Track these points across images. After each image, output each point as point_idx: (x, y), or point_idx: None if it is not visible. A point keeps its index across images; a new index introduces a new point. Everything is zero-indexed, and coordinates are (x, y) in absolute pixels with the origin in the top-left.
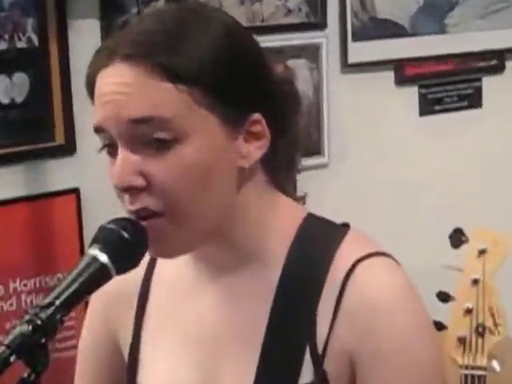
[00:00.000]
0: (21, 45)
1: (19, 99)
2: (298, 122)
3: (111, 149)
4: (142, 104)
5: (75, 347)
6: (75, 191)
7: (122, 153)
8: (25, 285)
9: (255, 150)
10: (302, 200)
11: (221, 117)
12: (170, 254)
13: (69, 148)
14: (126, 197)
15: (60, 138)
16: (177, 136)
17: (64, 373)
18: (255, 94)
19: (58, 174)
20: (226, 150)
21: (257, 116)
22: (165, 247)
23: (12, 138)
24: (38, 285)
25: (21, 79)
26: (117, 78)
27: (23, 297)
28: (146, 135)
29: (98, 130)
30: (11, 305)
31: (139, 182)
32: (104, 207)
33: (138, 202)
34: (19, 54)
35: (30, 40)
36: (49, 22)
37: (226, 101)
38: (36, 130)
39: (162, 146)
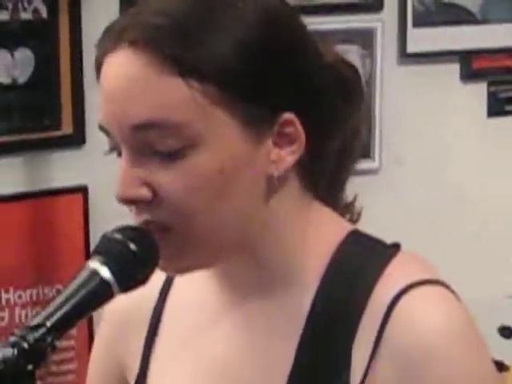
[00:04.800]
0: (26, 16)
1: (22, 79)
2: (355, 123)
3: (118, 152)
4: (147, 105)
5: (74, 372)
6: (83, 189)
7: (124, 161)
8: (19, 296)
9: (287, 156)
10: (351, 208)
11: (243, 118)
12: (179, 270)
13: (77, 138)
14: (133, 207)
15: (67, 127)
16: (188, 143)
17: None
18: (288, 89)
19: (63, 169)
20: (250, 156)
21: (288, 116)
22: (172, 264)
23: (12, 125)
24: (34, 297)
25: (24, 56)
26: (121, 68)
27: (17, 310)
28: (152, 142)
29: (103, 130)
30: (2, 319)
31: (143, 193)
32: (115, 209)
33: (145, 215)
34: (23, 27)
35: (36, 11)
36: None
37: (250, 99)
38: (40, 116)
39: (170, 154)
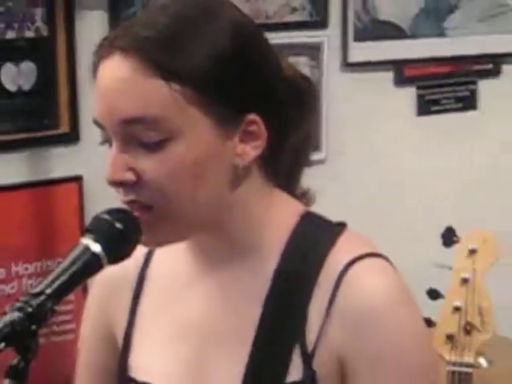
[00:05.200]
0: (29, 34)
1: (26, 87)
2: (308, 125)
3: (110, 143)
4: (133, 103)
5: (73, 331)
6: (78, 179)
7: (114, 150)
8: (26, 268)
9: (251, 150)
10: (306, 195)
11: (214, 117)
12: (156, 243)
13: (73, 136)
14: (120, 189)
15: (64, 127)
16: (168, 135)
17: (62, 356)
18: (254, 94)
19: (61, 162)
20: (219, 149)
21: (253, 117)
22: (152, 238)
23: (17, 125)
24: (39, 269)
25: (28, 68)
26: (113, 71)
27: (24, 280)
28: (138, 134)
29: (97, 124)
30: (12, 288)
31: (128, 176)
32: (106, 196)
33: (130, 195)
34: (27, 44)
35: (38, 30)
36: (57, 13)
37: (221, 101)
38: (41, 117)
39: (152, 145)
